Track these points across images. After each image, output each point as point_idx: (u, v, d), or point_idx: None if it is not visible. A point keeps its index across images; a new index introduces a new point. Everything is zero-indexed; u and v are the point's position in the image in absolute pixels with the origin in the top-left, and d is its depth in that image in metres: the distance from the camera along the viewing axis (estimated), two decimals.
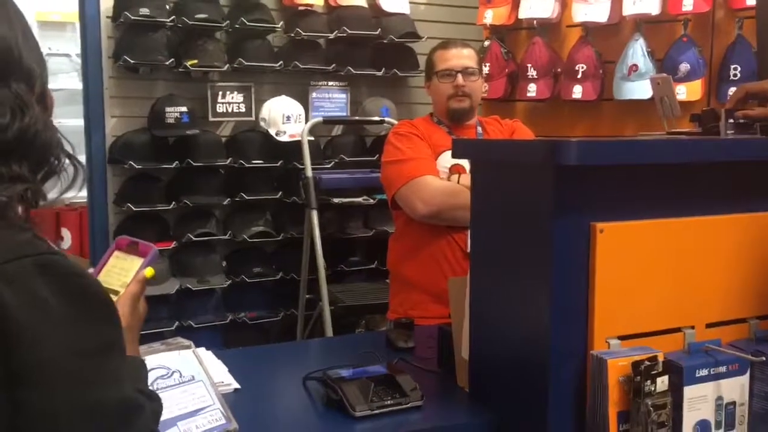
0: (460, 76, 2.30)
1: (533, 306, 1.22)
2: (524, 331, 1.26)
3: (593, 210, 1.19)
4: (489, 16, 3.36)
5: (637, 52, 3.00)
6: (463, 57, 2.33)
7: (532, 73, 3.26)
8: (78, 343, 0.76)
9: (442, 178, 2.22)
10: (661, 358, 1.16)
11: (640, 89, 2.95)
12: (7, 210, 0.78)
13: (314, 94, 3.41)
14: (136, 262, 1.09)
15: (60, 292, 0.75)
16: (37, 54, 0.90)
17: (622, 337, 1.20)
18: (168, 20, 3.00)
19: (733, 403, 1.24)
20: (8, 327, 0.71)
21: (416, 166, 2.22)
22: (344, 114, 3.48)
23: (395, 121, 3.06)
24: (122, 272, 1.09)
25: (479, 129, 2.37)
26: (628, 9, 2.99)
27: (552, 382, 1.18)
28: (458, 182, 2.20)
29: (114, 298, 1.05)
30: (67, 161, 0.88)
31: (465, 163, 2.26)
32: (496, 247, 1.34)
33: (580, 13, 3.10)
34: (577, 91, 3.13)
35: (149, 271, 1.08)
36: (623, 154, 1.21)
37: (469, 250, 2.16)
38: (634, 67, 2.99)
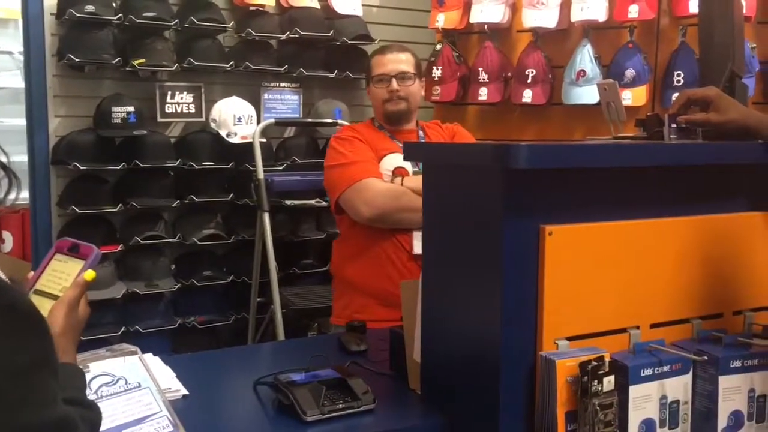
0: (394, 81, 2.33)
1: (484, 308, 1.23)
2: (475, 333, 1.27)
3: (542, 212, 1.21)
4: (441, 20, 3.38)
5: (585, 58, 3.06)
6: (398, 62, 2.35)
7: (483, 76, 3.30)
8: (4, 361, 0.71)
9: (386, 181, 2.23)
10: (607, 358, 1.18)
11: (588, 94, 3.01)
12: None
13: (266, 96, 3.38)
14: (77, 265, 1.06)
15: None
16: None
17: (570, 338, 1.22)
18: (115, 18, 2.93)
19: (677, 401, 1.27)
20: None
21: (359, 169, 2.23)
22: (297, 116, 3.46)
23: (348, 123, 3.05)
24: (62, 276, 1.05)
25: (420, 133, 2.39)
26: (576, 15, 3.05)
27: (502, 384, 1.19)
28: (401, 184, 2.21)
29: (52, 303, 1.01)
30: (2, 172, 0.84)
31: (407, 166, 2.28)
32: (447, 250, 1.35)
33: (530, 19, 3.15)
34: (527, 96, 3.18)
35: (89, 274, 1.05)
36: (572, 158, 1.23)
37: (414, 252, 2.19)
38: (582, 73, 3.05)
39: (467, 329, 1.29)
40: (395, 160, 2.29)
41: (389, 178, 2.25)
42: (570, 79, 3.09)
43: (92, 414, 0.89)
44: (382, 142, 2.32)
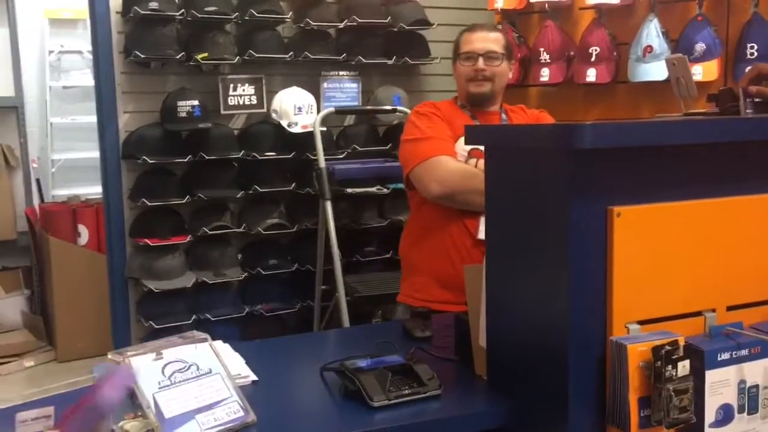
0: (481, 60, 2.25)
1: (551, 292, 1.21)
2: (542, 318, 1.24)
3: (610, 194, 1.17)
4: (500, 1, 3.33)
5: (652, 33, 2.95)
6: (487, 40, 2.27)
7: (544, 57, 3.23)
8: None
9: (459, 161, 2.19)
10: (681, 343, 1.14)
11: (656, 70, 2.91)
12: None
13: (325, 85, 3.40)
14: None
15: None
16: None
17: (641, 322, 1.18)
18: (177, 14, 2.99)
19: (756, 386, 1.22)
20: None
21: (434, 145, 2.18)
22: (356, 104, 3.46)
23: (407, 110, 3.03)
24: None
25: (504, 116, 2.33)
26: None
27: (571, 369, 1.17)
28: (476, 166, 2.16)
29: None
30: None
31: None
32: (512, 234, 1.32)
33: None
34: (591, 75, 3.09)
35: None
36: (639, 136, 1.18)
37: (480, 237, 2.15)
38: (649, 49, 2.95)
39: (534, 314, 1.27)
40: None
41: (464, 159, 2.20)
42: (636, 55, 2.99)
43: None
44: (461, 122, 2.24)
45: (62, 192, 5.03)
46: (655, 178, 1.21)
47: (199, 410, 1.22)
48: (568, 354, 1.17)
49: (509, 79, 2.37)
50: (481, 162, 2.18)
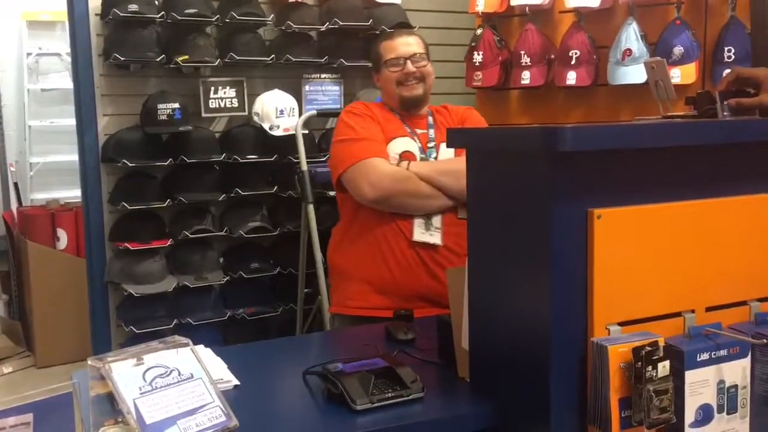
0: (409, 63, 2.27)
1: (533, 294, 1.21)
2: (524, 320, 1.25)
3: (590, 196, 1.18)
4: (481, 4, 3.34)
5: (631, 37, 2.98)
6: (410, 44, 2.30)
7: (525, 60, 3.25)
8: None
9: (392, 164, 2.18)
10: (661, 343, 1.15)
11: (635, 74, 2.94)
12: None
13: (307, 87, 3.39)
14: None
15: None
16: None
17: (622, 323, 1.19)
18: (157, 16, 2.97)
19: (735, 386, 1.23)
20: None
21: (366, 147, 2.17)
22: (338, 106, 3.46)
23: None
24: None
25: (430, 119, 2.34)
26: None
27: (553, 371, 1.17)
28: (407, 168, 2.16)
29: None
30: None
31: (415, 151, 2.24)
32: (493, 236, 1.33)
33: None
34: (572, 78, 3.12)
35: None
36: (619, 139, 1.19)
37: (415, 238, 2.16)
38: (628, 52, 2.98)
39: (516, 316, 1.27)
40: (403, 143, 2.24)
41: (396, 162, 2.19)
42: (616, 58, 3.02)
43: None
44: (392, 124, 2.27)
45: (41, 196, 4.98)
46: (635, 180, 1.22)
47: (181, 416, 1.21)
48: (549, 355, 1.18)
49: (434, 79, 2.37)
50: (413, 164, 2.18)
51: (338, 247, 2.35)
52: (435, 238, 2.17)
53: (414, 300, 2.10)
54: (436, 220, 2.18)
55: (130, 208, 2.98)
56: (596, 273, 1.17)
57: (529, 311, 1.23)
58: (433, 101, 2.39)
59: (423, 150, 2.24)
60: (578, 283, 1.18)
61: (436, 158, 2.26)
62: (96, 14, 3.01)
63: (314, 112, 3.23)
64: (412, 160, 2.21)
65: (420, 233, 2.16)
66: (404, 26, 3.39)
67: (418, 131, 2.29)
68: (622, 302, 1.20)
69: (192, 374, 1.27)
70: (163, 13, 2.98)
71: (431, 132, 2.30)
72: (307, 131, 3.21)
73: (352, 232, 2.28)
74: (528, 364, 1.24)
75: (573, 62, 3.11)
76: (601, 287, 1.17)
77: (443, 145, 2.29)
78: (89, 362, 1.23)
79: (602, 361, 1.15)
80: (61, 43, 5.08)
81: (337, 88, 3.46)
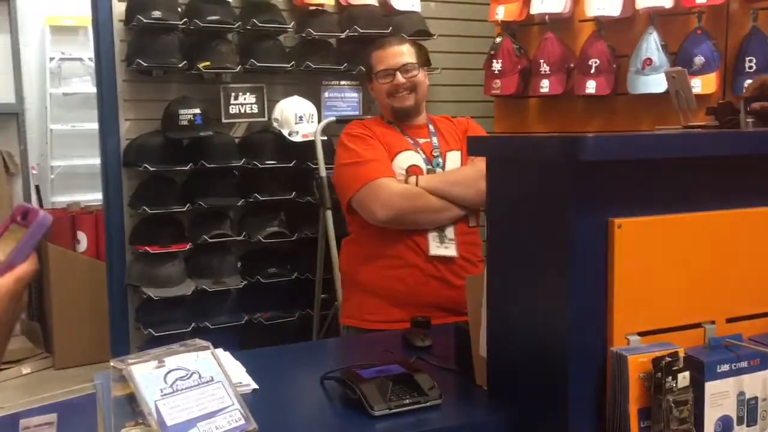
0: (398, 74, 2.27)
1: (552, 303, 1.22)
2: (543, 329, 1.25)
3: (611, 206, 1.18)
4: (500, 13, 3.35)
5: (651, 46, 2.98)
6: (400, 54, 2.30)
7: (544, 68, 3.25)
8: None
9: (399, 180, 2.18)
10: (681, 354, 1.15)
11: (655, 83, 2.93)
12: None
13: (326, 94, 3.41)
14: (20, 233, 0.97)
15: None
16: None
17: (641, 333, 1.19)
18: (180, 23, 3.01)
19: (756, 398, 1.22)
20: None
21: (373, 168, 2.17)
22: (357, 113, 3.47)
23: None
24: (6, 245, 0.96)
25: (431, 128, 2.34)
26: (642, 2, 2.96)
27: (572, 380, 1.17)
28: (416, 184, 2.16)
29: None
30: None
31: (421, 164, 2.24)
32: (513, 245, 1.33)
33: (594, 8, 3.08)
34: (591, 86, 3.11)
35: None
36: (641, 149, 1.19)
37: (432, 253, 2.16)
38: (648, 61, 2.97)
39: (535, 325, 1.27)
40: (408, 157, 2.24)
41: (403, 177, 2.20)
42: (636, 67, 3.01)
43: None
44: (393, 139, 2.27)
45: (61, 199, 5.04)
46: (656, 190, 1.22)
47: (201, 418, 1.22)
48: (568, 364, 1.18)
49: (427, 86, 2.38)
50: (421, 179, 2.18)
51: (352, 261, 2.35)
52: (450, 250, 2.17)
53: (431, 309, 2.10)
54: (449, 232, 2.18)
55: (150, 211, 3.00)
56: (616, 282, 1.17)
57: (548, 320, 1.23)
58: (451, 109, 2.40)
59: (428, 161, 2.23)
60: (598, 292, 1.18)
61: (443, 167, 2.25)
62: (120, 20, 3.05)
63: (333, 118, 3.24)
64: (419, 174, 2.21)
65: (435, 247, 2.17)
66: (423, 34, 3.40)
67: (421, 141, 2.29)
68: (642, 312, 1.20)
69: (212, 377, 1.28)
70: (185, 19, 3.02)
71: (434, 140, 2.30)
72: (325, 137, 3.22)
73: (364, 248, 2.28)
74: (546, 373, 1.24)
75: (593, 71, 3.11)
76: (621, 297, 1.17)
77: (450, 154, 2.30)
78: (112, 364, 1.25)
79: (621, 371, 1.15)
80: (83, 48, 5.15)
81: (356, 94, 3.47)
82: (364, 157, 2.20)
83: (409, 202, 2.13)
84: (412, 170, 2.21)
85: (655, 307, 1.21)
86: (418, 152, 2.26)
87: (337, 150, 2.31)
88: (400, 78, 2.26)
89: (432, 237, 2.17)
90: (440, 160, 2.25)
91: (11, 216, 0.98)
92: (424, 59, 2.35)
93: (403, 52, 2.30)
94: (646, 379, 1.14)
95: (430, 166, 2.22)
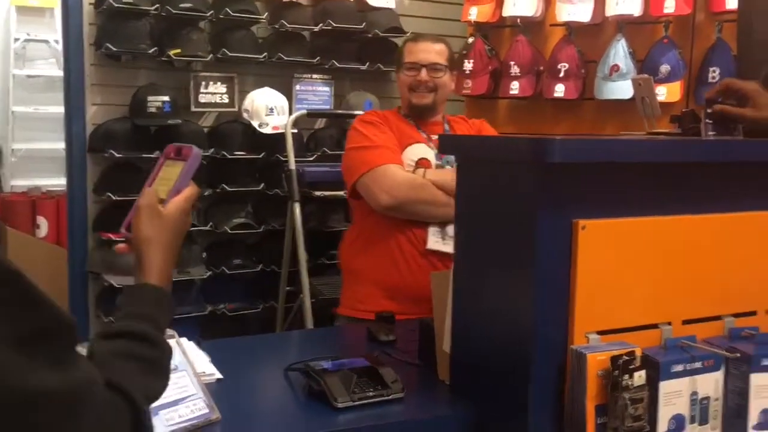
0: (424, 71, 2.26)
1: (516, 301, 1.24)
2: (506, 326, 1.27)
3: (576, 207, 1.21)
4: (474, 13, 3.38)
5: (619, 53, 3.03)
6: (431, 51, 2.28)
7: (515, 70, 3.29)
8: (4, 329, 0.68)
9: (407, 171, 2.19)
10: (638, 353, 1.18)
11: (621, 89, 2.99)
12: None
13: (298, 87, 3.41)
14: (178, 167, 1.08)
15: None
16: None
17: (601, 332, 1.22)
18: (152, 8, 2.97)
19: (708, 398, 1.26)
20: None
21: (381, 154, 2.17)
22: (328, 107, 3.48)
23: None
24: (166, 180, 1.07)
25: (446, 126, 2.36)
26: (611, 9, 3.02)
27: (533, 376, 1.20)
28: (423, 176, 2.16)
29: (160, 207, 1.03)
30: None
31: (431, 158, 2.25)
32: (480, 242, 1.36)
33: (564, 13, 3.13)
34: (560, 90, 3.16)
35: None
36: (607, 153, 1.23)
37: (429, 247, 2.17)
38: (616, 68, 3.03)
39: (499, 321, 1.30)
40: (419, 150, 2.25)
41: (411, 169, 2.20)
42: (603, 73, 3.07)
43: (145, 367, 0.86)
44: (407, 131, 2.27)
45: (21, 183, 4.93)
46: (619, 193, 1.25)
47: (164, 406, 1.22)
48: (529, 361, 1.20)
49: (451, 89, 2.39)
50: (429, 172, 2.18)
51: (350, 249, 2.35)
52: (449, 246, 2.15)
53: (421, 303, 2.09)
54: (451, 229, 2.16)
55: (115, 198, 2.97)
56: (579, 282, 1.20)
57: (512, 317, 1.26)
58: None
59: (440, 157, 2.23)
60: (560, 291, 1.21)
61: (452, 165, 2.25)
62: (90, 3, 3.00)
63: (304, 111, 3.24)
64: (428, 167, 2.20)
65: (434, 242, 2.16)
66: (397, 31, 3.42)
67: (434, 137, 2.29)
68: (603, 312, 1.23)
69: (176, 366, 1.28)
70: (157, 5, 2.98)
71: None
72: (296, 130, 3.22)
73: (363, 236, 2.28)
74: (508, 369, 1.26)
75: (561, 75, 3.16)
76: (583, 296, 1.20)
77: None
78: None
79: (581, 369, 1.17)
80: (49, 30, 5.05)
81: (327, 89, 3.47)
82: (374, 143, 2.19)
83: (414, 192, 2.13)
84: (422, 163, 2.21)
85: (615, 306, 1.24)
86: (430, 146, 2.25)
87: (348, 134, 2.30)
88: (424, 75, 2.26)
89: (433, 231, 2.16)
90: (451, 158, 2.25)
91: (164, 155, 1.11)
92: (454, 65, 2.34)
93: (435, 51, 2.29)
94: (604, 377, 1.17)
95: (440, 162, 2.22)
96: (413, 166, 2.21)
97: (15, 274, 0.71)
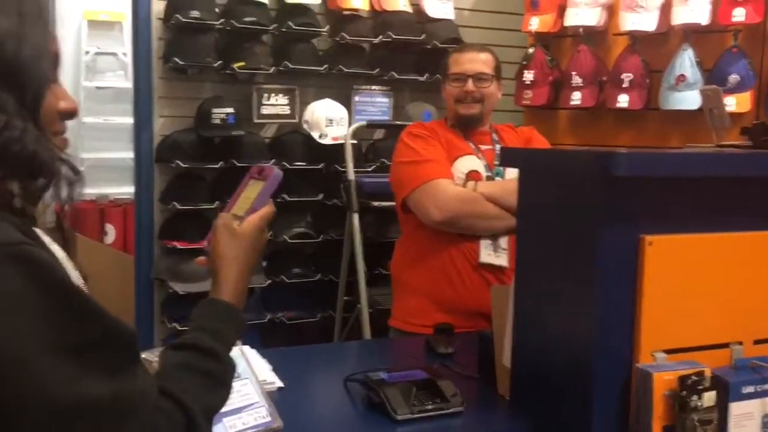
0: (470, 81, 2.24)
1: (579, 316, 1.22)
2: (569, 342, 1.26)
3: (643, 222, 1.19)
4: (534, 23, 3.35)
5: (685, 62, 2.96)
6: (477, 61, 2.26)
7: (576, 80, 3.24)
8: (53, 338, 0.69)
9: (458, 184, 2.17)
10: (708, 374, 1.15)
11: (687, 100, 2.91)
12: None
13: (357, 98, 3.43)
14: (258, 186, 1.11)
15: (33, 283, 0.69)
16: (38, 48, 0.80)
17: (668, 351, 1.19)
18: (217, 23, 3.05)
19: None
20: None
21: (431, 168, 2.15)
22: (387, 118, 3.49)
23: None
24: (247, 199, 1.11)
25: (494, 136, 2.33)
26: (677, 18, 2.95)
27: (596, 394, 1.18)
28: (474, 189, 2.14)
29: (236, 223, 1.06)
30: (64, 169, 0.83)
31: (481, 170, 2.23)
32: (542, 256, 1.34)
33: (628, 22, 3.07)
34: (623, 100, 3.10)
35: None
36: (675, 167, 1.20)
37: (481, 260, 2.14)
38: (682, 77, 2.95)
39: (561, 337, 1.28)
40: (469, 162, 2.22)
41: (461, 181, 2.18)
42: (669, 83, 2.99)
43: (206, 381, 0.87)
44: (455, 143, 2.25)
45: (90, 191, 5.11)
46: (687, 208, 1.22)
47: (227, 414, 1.24)
48: (593, 378, 1.18)
49: (498, 99, 2.36)
50: (480, 185, 2.15)
51: (401, 262, 2.34)
52: (501, 259, 2.14)
53: (477, 318, 2.07)
54: (503, 241, 2.14)
55: (180, 207, 3.05)
56: (645, 299, 1.17)
57: (574, 333, 1.24)
58: None
59: (489, 168, 2.21)
60: (625, 308, 1.18)
61: (503, 177, 2.22)
62: (158, 18, 3.10)
63: (364, 123, 3.26)
64: (478, 179, 2.18)
65: (487, 255, 2.14)
66: (456, 42, 3.41)
67: (483, 147, 2.28)
68: (670, 330, 1.20)
69: (240, 374, 1.30)
70: (222, 20, 3.06)
71: (497, 148, 2.27)
72: (355, 141, 3.24)
73: (414, 249, 2.27)
74: (570, 386, 1.24)
75: (625, 85, 3.09)
76: (649, 313, 1.18)
77: None
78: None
79: (646, 388, 1.15)
80: (117, 43, 5.24)
81: (386, 100, 3.49)
82: (424, 157, 2.18)
83: (466, 206, 2.11)
84: (472, 175, 2.19)
85: (683, 325, 1.21)
86: (480, 158, 2.24)
87: (396, 147, 2.29)
88: (470, 85, 2.25)
89: (485, 244, 2.14)
90: (501, 169, 2.23)
91: (249, 174, 1.14)
92: (500, 75, 2.33)
93: (481, 60, 2.28)
94: (671, 397, 1.14)
95: (490, 174, 2.20)
96: (463, 179, 2.19)
97: (64, 283, 0.74)
